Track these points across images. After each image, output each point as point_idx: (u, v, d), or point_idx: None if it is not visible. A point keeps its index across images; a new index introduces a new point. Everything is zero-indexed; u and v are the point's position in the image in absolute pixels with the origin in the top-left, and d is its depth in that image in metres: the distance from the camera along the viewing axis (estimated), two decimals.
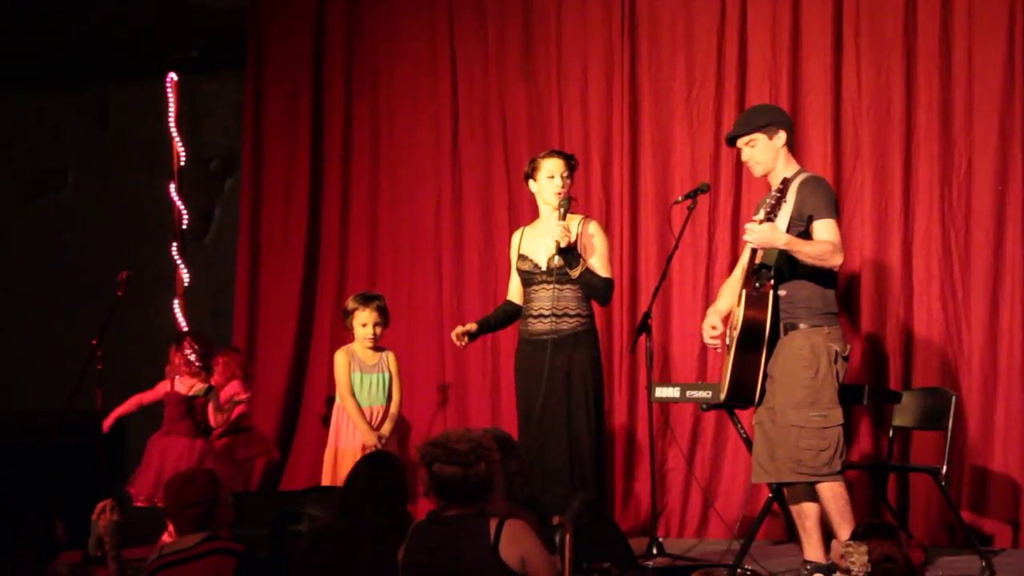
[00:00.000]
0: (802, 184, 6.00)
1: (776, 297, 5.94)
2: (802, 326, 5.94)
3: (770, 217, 5.81)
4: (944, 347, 7.73)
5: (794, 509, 6.10)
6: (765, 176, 6.19)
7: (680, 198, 7.40)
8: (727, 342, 6.12)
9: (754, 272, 5.97)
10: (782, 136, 6.11)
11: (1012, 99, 7.60)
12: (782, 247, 5.85)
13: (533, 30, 8.76)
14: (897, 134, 7.82)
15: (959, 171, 7.72)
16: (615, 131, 8.49)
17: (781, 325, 5.98)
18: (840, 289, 6.24)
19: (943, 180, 7.74)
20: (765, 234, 5.79)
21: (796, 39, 8.07)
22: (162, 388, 8.17)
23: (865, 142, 7.79)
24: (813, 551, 6.06)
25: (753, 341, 5.90)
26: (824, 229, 5.95)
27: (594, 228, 6.92)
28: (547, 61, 8.71)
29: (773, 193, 5.89)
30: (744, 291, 5.93)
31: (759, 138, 6.11)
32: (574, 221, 6.87)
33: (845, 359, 6.04)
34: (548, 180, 6.88)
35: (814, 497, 6.03)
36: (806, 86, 8.03)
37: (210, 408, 8.05)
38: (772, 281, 5.95)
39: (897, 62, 7.82)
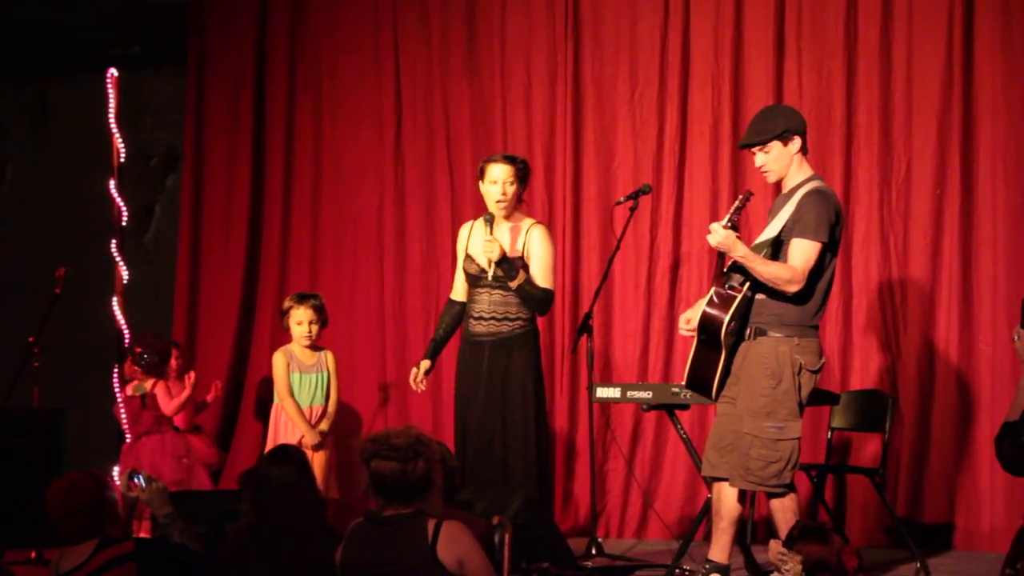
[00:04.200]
0: (806, 195, 5.89)
1: (746, 300, 5.88)
2: (771, 333, 5.86)
3: (732, 225, 5.74)
4: (882, 350, 7.79)
5: (714, 506, 6.10)
6: (778, 182, 6.06)
7: (622, 199, 7.44)
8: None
9: (724, 273, 5.94)
10: (797, 142, 5.98)
11: (950, 103, 7.68)
12: (738, 259, 5.80)
13: (477, 28, 8.75)
14: (837, 137, 7.87)
15: (898, 174, 7.79)
16: (558, 130, 8.50)
17: (751, 328, 5.91)
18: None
19: (882, 183, 7.82)
20: (723, 240, 5.73)
21: (738, 41, 8.11)
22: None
23: None
24: (718, 552, 6.04)
25: (709, 339, 5.86)
26: (799, 250, 5.83)
27: (540, 235, 6.84)
28: (491, 59, 8.71)
29: (735, 204, 5.79)
30: (713, 288, 5.90)
31: (775, 145, 5.97)
32: (524, 225, 6.83)
33: (813, 372, 5.92)
34: (491, 186, 6.82)
35: (737, 500, 6.03)
36: (748, 88, 8.07)
37: (162, 397, 7.94)
38: (747, 285, 5.88)
39: (838, 66, 7.89)
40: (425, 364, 7.06)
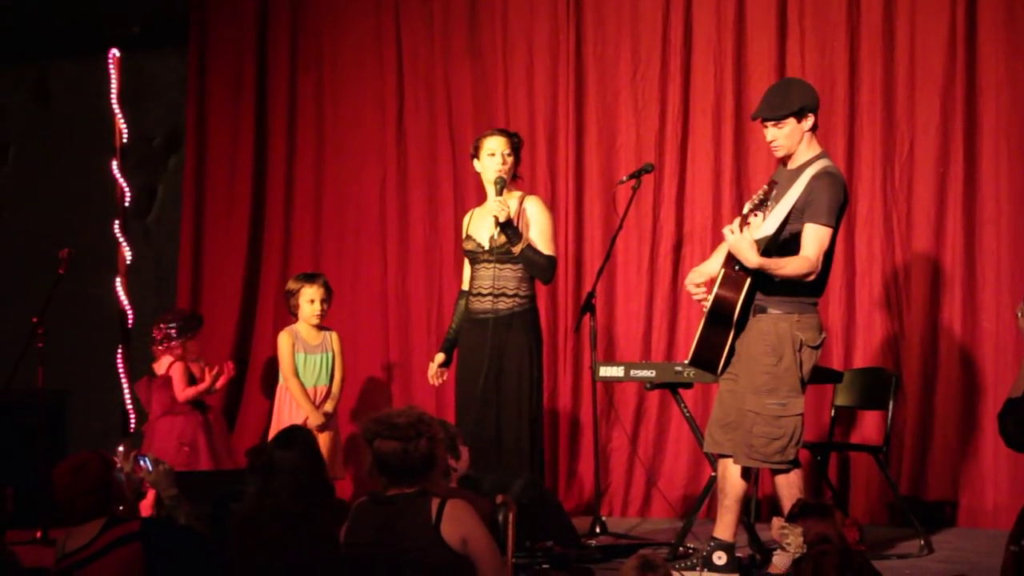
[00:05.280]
0: (817, 178, 5.88)
1: (753, 282, 5.89)
2: (772, 311, 5.87)
3: (747, 221, 5.75)
4: (885, 328, 7.79)
5: (719, 483, 6.10)
6: (785, 157, 6.03)
7: (625, 178, 7.43)
8: (704, 308, 6.07)
9: (734, 257, 5.93)
10: (811, 119, 5.97)
11: (953, 81, 7.66)
12: (753, 267, 5.76)
13: (478, 7, 8.73)
14: (840, 116, 7.86)
15: (901, 153, 7.78)
16: (560, 110, 8.49)
17: (752, 305, 5.92)
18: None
19: (885, 162, 7.80)
20: (738, 245, 5.74)
21: (741, 20, 8.09)
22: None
23: None
24: (723, 530, 6.04)
25: (721, 319, 5.88)
26: (812, 236, 5.82)
27: (535, 205, 6.85)
28: (492, 39, 8.69)
29: (756, 196, 5.80)
30: (723, 270, 5.90)
31: (790, 122, 5.94)
32: (514, 198, 6.81)
33: (814, 348, 5.92)
34: (489, 158, 6.82)
35: (743, 477, 6.03)
36: (750, 67, 8.06)
37: (177, 381, 7.92)
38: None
39: (841, 44, 7.87)
40: (440, 357, 7.07)
